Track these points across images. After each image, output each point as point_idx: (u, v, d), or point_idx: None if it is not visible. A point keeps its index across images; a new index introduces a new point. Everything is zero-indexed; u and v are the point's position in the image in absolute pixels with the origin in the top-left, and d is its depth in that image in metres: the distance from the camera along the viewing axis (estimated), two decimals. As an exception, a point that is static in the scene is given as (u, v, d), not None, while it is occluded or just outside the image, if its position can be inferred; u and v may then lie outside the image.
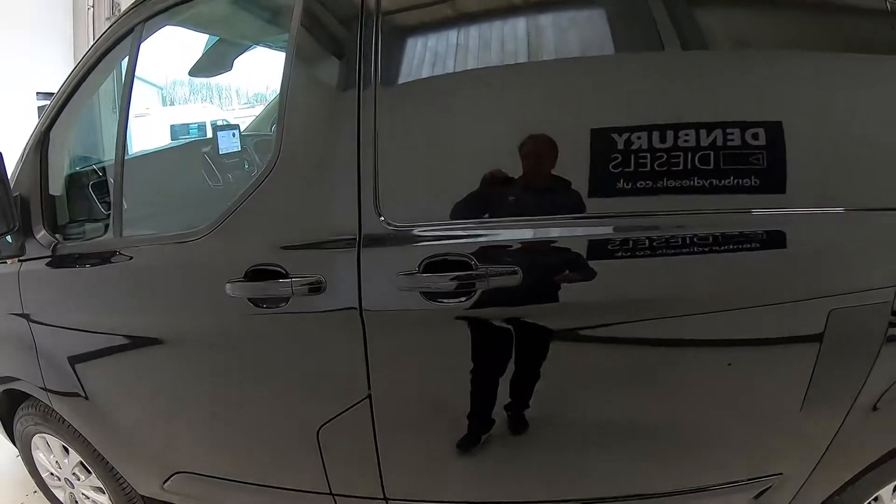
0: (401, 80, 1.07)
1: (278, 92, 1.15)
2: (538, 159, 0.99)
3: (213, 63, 2.12)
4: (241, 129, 2.54)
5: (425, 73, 1.07)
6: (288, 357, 1.18)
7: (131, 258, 1.31)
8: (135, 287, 1.32)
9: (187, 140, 2.47)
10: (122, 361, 1.39)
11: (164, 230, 1.34)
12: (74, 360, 1.45)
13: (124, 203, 1.57)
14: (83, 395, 1.44)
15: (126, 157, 1.45)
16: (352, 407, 1.14)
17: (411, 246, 1.03)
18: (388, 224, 1.04)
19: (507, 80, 1.04)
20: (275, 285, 1.09)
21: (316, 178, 1.08)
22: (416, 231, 1.04)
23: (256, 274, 1.11)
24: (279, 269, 1.10)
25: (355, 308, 1.06)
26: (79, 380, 1.45)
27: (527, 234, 1.02)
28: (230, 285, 1.12)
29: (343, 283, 1.07)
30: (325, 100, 1.11)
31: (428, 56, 1.06)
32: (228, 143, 2.26)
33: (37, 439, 1.74)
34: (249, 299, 1.13)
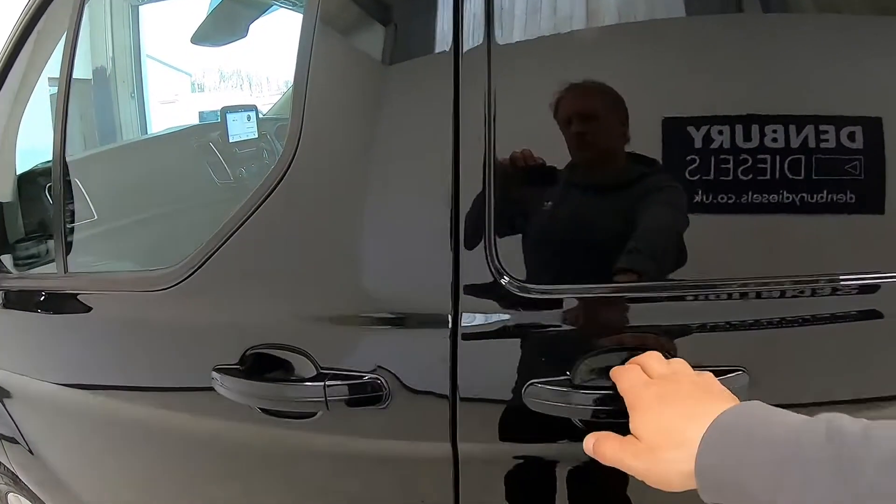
0: (536, 36, 0.51)
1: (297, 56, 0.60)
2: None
3: (220, 27, 1.55)
4: (262, 113, 2.01)
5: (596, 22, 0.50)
6: (319, 487, 0.66)
7: (86, 309, 0.80)
8: (83, 349, 0.82)
9: (182, 128, 1.92)
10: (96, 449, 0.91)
11: (136, 261, 0.84)
12: (27, 432, 1.00)
13: (93, 217, 1.09)
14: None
15: (80, 155, 0.93)
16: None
17: (562, 331, 0.49)
18: (517, 289, 0.50)
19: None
20: (294, 390, 0.56)
21: (365, 198, 0.54)
22: (571, 304, 0.50)
23: (260, 360, 0.59)
24: (300, 353, 0.57)
25: (444, 435, 0.53)
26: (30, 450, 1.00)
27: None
28: (218, 375, 0.60)
29: (421, 390, 0.53)
30: (384, 71, 0.54)
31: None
32: (242, 129, 1.70)
33: (11, 498, 1.39)
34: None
